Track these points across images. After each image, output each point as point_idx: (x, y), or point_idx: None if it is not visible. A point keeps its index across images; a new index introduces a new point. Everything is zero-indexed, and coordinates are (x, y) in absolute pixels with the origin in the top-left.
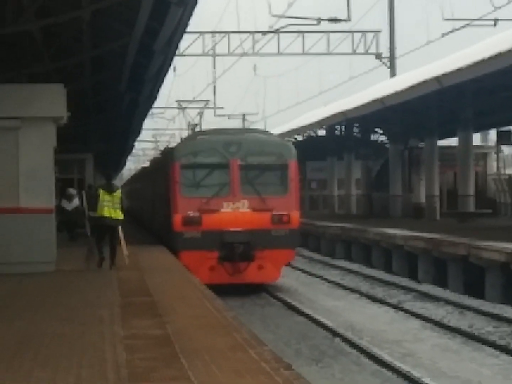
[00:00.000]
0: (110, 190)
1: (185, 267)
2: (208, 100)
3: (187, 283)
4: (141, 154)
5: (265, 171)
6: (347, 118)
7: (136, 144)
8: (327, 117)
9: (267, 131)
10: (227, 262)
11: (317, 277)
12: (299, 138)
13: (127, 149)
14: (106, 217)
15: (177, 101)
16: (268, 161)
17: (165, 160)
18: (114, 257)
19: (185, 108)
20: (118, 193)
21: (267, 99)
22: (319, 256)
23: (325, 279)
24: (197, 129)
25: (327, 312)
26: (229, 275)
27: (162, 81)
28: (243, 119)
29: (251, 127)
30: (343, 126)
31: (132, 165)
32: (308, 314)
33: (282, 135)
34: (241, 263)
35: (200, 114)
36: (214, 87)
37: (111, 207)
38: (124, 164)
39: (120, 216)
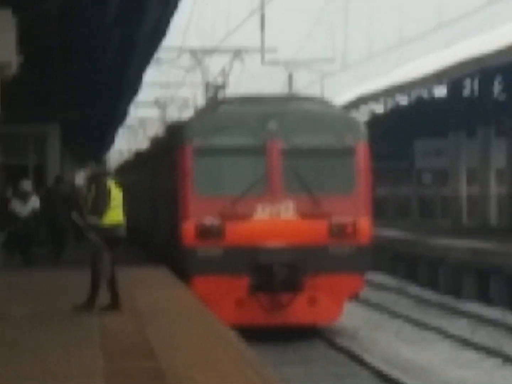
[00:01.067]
0: (117, 182)
1: (203, 303)
2: (239, 50)
3: (215, 337)
4: (139, 125)
5: (320, 159)
6: (484, 69)
7: (132, 110)
8: (450, 67)
9: (325, 100)
10: (263, 293)
11: (432, 329)
12: (402, 100)
13: (116, 118)
14: (119, 225)
15: (191, 51)
16: (324, 143)
17: (171, 141)
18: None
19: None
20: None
21: (350, 36)
22: (436, 295)
23: (445, 333)
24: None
25: None
26: (265, 312)
27: (176, 4)
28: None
29: (301, 95)
30: (477, 82)
31: (125, 143)
32: None
33: (376, 94)
34: (283, 294)
35: (227, 69)
36: (262, 15)
37: (120, 209)
38: (112, 142)
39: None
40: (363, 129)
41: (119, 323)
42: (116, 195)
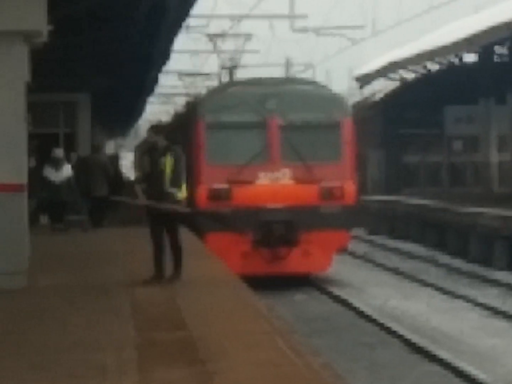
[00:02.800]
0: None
1: (213, 253)
2: (250, 34)
3: (245, 307)
4: (171, 93)
5: (311, 132)
6: None
7: (162, 77)
8: (480, 32)
9: (316, 81)
10: (264, 246)
11: (463, 299)
12: (433, 66)
13: (146, 86)
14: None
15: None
16: (315, 119)
17: (188, 117)
18: (180, 262)
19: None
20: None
21: (380, 2)
22: (466, 264)
23: (476, 304)
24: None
25: (477, 356)
26: (266, 263)
27: None
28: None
29: (296, 77)
30: (507, 48)
31: (157, 110)
32: (447, 362)
33: (406, 61)
34: (281, 248)
35: (240, 49)
36: None
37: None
38: (142, 111)
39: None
40: (348, 107)
41: (149, 293)
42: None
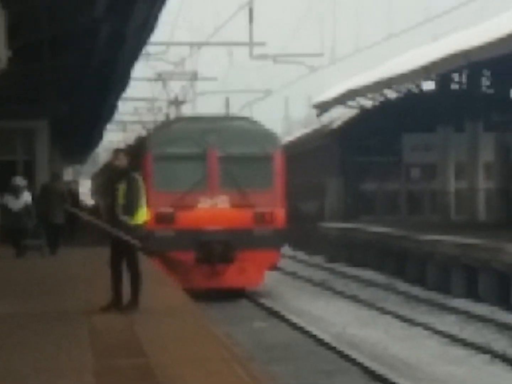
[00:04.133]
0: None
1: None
2: (196, 73)
3: (203, 335)
4: (130, 120)
5: (246, 163)
6: (472, 62)
7: (120, 104)
8: (438, 60)
9: (251, 119)
10: (205, 264)
11: (421, 327)
12: (391, 94)
13: (105, 113)
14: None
15: (157, 73)
16: (250, 151)
17: (139, 149)
18: (138, 289)
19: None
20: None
21: (339, 31)
22: (424, 291)
23: (434, 331)
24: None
25: None
26: (206, 278)
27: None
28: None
29: (233, 115)
30: (465, 76)
31: (115, 137)
32: None
33: (364, 89)
34: (220, 265)
35: (190, 83)
36: (250, 10)
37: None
38: (100, 137)
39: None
40: (279, 141)
41: (108, 321)
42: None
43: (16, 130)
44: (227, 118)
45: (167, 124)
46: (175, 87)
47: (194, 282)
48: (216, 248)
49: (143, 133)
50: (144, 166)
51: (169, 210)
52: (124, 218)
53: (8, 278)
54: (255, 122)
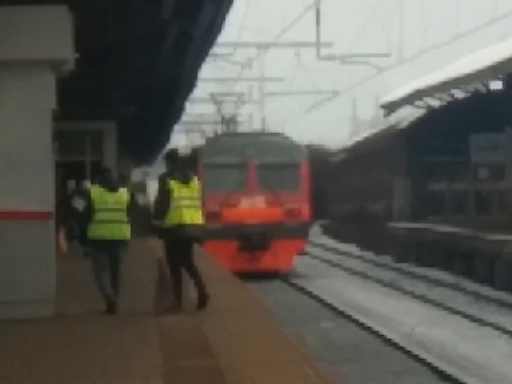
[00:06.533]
0: (185, 179)
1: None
2: (243, 94)
3: (271, 335)
4: (196, 121)
5: (278, 170)
6: None
7: (188, 105)
8: (506, 60)
9: (282, 133)
10: (245, 251)
11: (490, 326)
12: (459, 94)
13: (172, 114)
14: (185, 224)
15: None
16: (281, 161)
17: (193, 159)
18: (202, 288)
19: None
20: (196, 183)
21: (406, 31)
22: (492, 291)
23: (504, 330)
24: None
25: None
26: (247, 262)
27: (231, 0)
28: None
29: (268, 131)
30: None
31: (183, 139)
32: None
33: (431, 89)
34: (257, 252)
35: (239, 103)
36: (317, 10)
37: (190, 207)
38: (168, 138)
39: (201, 220)
40: (305, 152)
41: (176, 322)
42: (180, 194)
43: (85, 132)
44: (263, 133)
45: (215, 139)
46: (242, 88)
47: (237, 265)
48: (254, 238)
49: (197, 147)
50: (197, 172)
51: (217, 208)
52: (156, 222)
53: (76, 279)
54: (286, 137)
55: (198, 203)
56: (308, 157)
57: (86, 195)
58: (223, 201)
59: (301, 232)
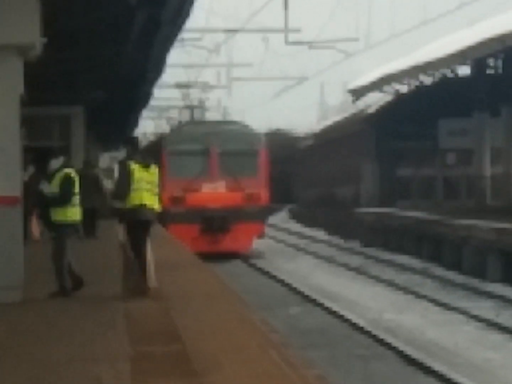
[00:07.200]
0: (145, 164)
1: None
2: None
3: (238, 321)
4: (163, 107)
5: (239, 157)
6: (508, 47)
7: (155, 91)
8: (474, 45)
9: (241, 122)
10: (207, 233)
11: (457, 311)
12: (426, 79)
13: (140, 99)
14: (144, 206)
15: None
16: (241, 148)
17: (158, 146)
18: (146, 273)
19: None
20: (155, 169)
21: (374, 16)
22: (460, 276)
23: (471, 315)
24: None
25: (473, 369)
26: (208, 244)
27: None
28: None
29: (229, 120)
30: (501, 60)
31: (151, 124)
32: (442, 374)
33: (400, 74)
34: (218, 234)
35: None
36: None
37: (149, 191)
38: (136, 124)
39: (157, 205)
40: (263, 139)
41: (143, 307)
42: (141, 177)
43: (52, 117)
44: (224, 122)
45: (178, 127)
46: (210, 73)
47: (199, 247)
48: (216, 221)
49: (160, 135)
50: (161, 159)
51: (180, 193)
52: (114, 202)
53: (40, 263)
54: (246, 125)
55: (156, 189)
56: (272, 143)
57: (125, 167)
58: (186, 186)
59: (260, 216)
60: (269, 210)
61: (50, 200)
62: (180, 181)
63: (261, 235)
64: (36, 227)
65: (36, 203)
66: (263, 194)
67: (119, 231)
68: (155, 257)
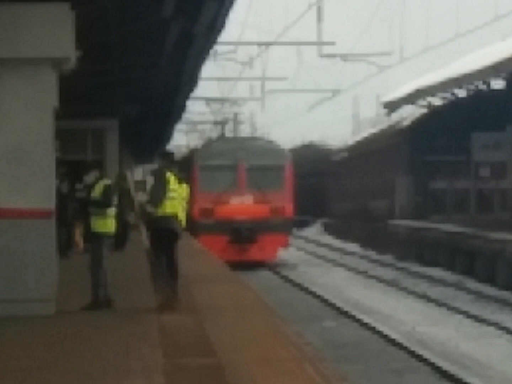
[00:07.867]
0: (180, 179)
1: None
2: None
3: (273, 334)
4: (198, 121)
5: (265, 171)
6: None
7: (189, 103)
8: (507, 59)
9: (269, 139)
10: (235, 244)
11: (492, 325)
12: (460, 92)
13: (174, 112)
14: (176, 216)
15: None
16: (267, 163)
17: (189, 160)
18: (176, 286)
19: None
20: (187, 187)
21: (408, 30)
22: (494, 289)
23: (506, 329)
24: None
25: (506, 383)
26: (236, 254)
27: None
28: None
29: (257, 136)
30: None
31: (184, 138)
32: None
33: (433, 87)
34: (246, 244)
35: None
36: (319, 9)
37: (181, 204)
38: (170, 137)
39: (184, 219)
40: (289, 155)
41: (177, 320)
42: (175, 188)
43: (85, 131)
44: (251, 138)
45: (209, 143)
46: (244, 87)
47: (227, 256)
48: (243, 232)
49: (192, 150)
50: (192, 173)
51: (210, 205)
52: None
53: (77, 275)
54: (272, 141)
55: (185, 204)
56: (305, 156)
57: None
58: (215, 199)
59: (285, 228)
60: (294, 222)
61: (92, 202)
62: (210, 194)
63: (285, 245)
64: (80, 239)
65: (78, 214)
66: (288, 207)
67: (146, 238)
68: (187, 270)
